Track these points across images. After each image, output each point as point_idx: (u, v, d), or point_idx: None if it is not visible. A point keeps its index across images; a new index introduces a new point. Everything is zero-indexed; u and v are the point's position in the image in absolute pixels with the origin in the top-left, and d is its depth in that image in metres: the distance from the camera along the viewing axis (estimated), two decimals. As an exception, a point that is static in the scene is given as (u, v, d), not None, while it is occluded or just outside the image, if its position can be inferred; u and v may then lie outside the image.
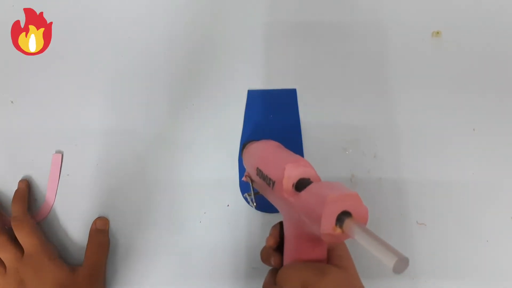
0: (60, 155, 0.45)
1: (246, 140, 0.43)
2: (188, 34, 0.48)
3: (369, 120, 0.45)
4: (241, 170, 0.44)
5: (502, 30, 0.48)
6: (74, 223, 0.44)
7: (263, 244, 0.42)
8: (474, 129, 0.45)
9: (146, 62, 0.48)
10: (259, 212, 0.43)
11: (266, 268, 0.42)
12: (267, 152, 0.36)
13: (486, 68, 0.47)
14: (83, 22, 0.49)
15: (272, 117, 0.45)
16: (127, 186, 0.45)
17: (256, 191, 0.37)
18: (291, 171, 0.30)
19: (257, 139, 0.44)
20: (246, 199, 0.42)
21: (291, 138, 0.45)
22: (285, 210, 0.31)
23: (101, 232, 0.43)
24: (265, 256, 0.35)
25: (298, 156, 0.33)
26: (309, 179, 0.30)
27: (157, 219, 0.44)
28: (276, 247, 0.34)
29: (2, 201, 0.45)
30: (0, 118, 0.47)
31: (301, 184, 0.30)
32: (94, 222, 0.43)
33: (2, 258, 0.40)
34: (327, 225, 0.25)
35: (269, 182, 0.32)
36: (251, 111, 0.46)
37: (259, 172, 0.35)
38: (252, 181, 0.37)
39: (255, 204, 0.37)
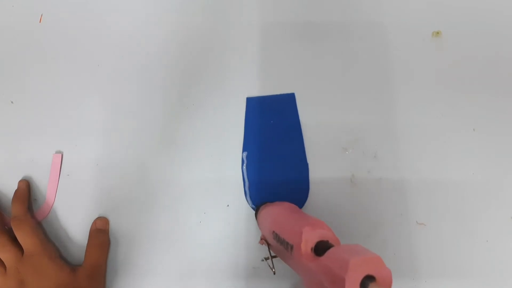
0: (60, 155, 0.45)
1: (260, 202, 0.42)
2: (187, 35, 0.48)
3: (369, 120, 0.45)
4: (250, 177, 0.44)
5: (502, 30, 0.48)
6: (74, 223, 0.44)
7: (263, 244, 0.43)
8: (474, 129, 0.45)
9: (146, 63, 0.48)
10: (259, 212, 0.43)
11: (267, 268, 0.42)
12: (283, 216, 0.36)
13: (486, 68, 0.47)
14: (83, 22, 0.49)
15: (273, 122, 0.45)
16: (127, 186, 0.45)
17: (274, 255, 0.36)
18: (309, 235, 0.30)
19: (260, 146, 0.45)
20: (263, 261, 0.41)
21: (293, 142, 0.45)
22: (305, 275, 0.30)
23: (101, 232, 0.43)
24: None
25: (314, 218, 0.32)
26: (328, 241, 0.30)
27: (157, 219, 0.44)
28: None
29: (2, 201, 0.45)
30: (0, 118, 0.47)
31: (320, 247, 0.29)
32: (94, 222, 0.43)
33: (2, 258, 0.40)
34: None
35: (287, 246, 0.32)
36: (251, 118, 0.46)
37: (276, 236, 0.34)
38: (268, 245, 0.37)
39: (274, 269, 0.37)
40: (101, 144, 0.46)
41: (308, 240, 0.30)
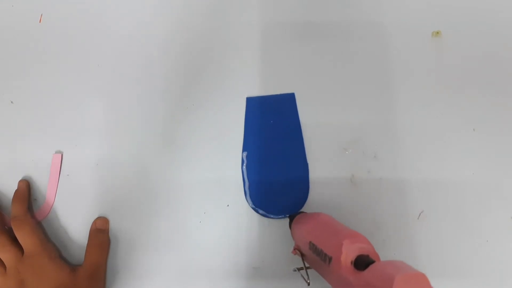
0: (60, 155, 0.45)
1: (295, 212, 0.42)
2: (187, 36, 0.48)
3: (369, 120, 0.45)
4: (250, 177, 0.44)
5: (502, 30, 0.48)
6: (74, 223, 0.44)
7: (263, 243, 0.43)
8: (474, 129, 0.45)
9: (146, 63, 0.48)
10: (260, 212, 0.43)
11: (267, 268, 0.42)
12: (321, 226, 0.35)
13: (486, 68, 0.47)
14: (83, 22, 0.49)
15: (273, 122, 0.45)
16: (127, 186, 0.45)
17: (307, 266, 0.36)
18: (349, 247, 0.29)
19: (260, 146, 0.45)
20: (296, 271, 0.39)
21: (293, 142, 0.45)
22: None
23: (101, 232, 0.43)
24: None
25: (354, 231, 0.31)
26: (368, 255, 0.29)
27: (157, 219, 0.44)
28: None
29: (2, 201, 0.45)
30: (0, 118, 0.47)
31: (360, 261, 0.28)
32: (94, 222, 0.43)
33: (2, 258, 0.40)
34: None
35: (325, 258, 0.31)
36: (251, 117, 0.46)
37: (312, 247, 0.33)
38: (302, 255, 0.36)
39: (309, 280, 0.36)
40: (101, 144, 0.46)
41: (349, 253, 0.29)
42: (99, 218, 0.44)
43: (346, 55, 0.47)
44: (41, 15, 0.49)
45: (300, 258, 0.36)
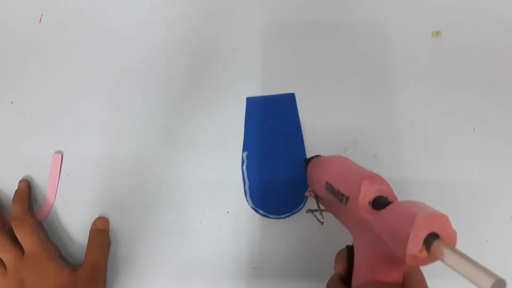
0: (60, 155, 0.45)
1: (311, 156, 0.41)
2: (187, 36, 0.48)
3: (369, 120, 0.45)
4: (250, 177, 0.44)
5: (502, 30, 0.48)
6: (74, 223, 0.44)
7: (263, 243, 0.43)
8: (474, 129, 0.45)
9: (146, 63, 0.48)
10: (260, 212, 0.43)
11: (267, 268, 0.42)
12: (339, 166, 0.34)
13: (486, 68, 0.47)
14: (83, 23, 0.49)
15: (273, 122, 0.45)
16: (127, 186, 0.45)
17: (322, 208, 0.35)
18: (368, 188, 0.28)
19: (260, 146, 0.45)
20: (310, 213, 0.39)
21: (293, 142, 0.45)
22: (359, 229, 0.29)
23: (101, 232, 0.43)
24: (333, 287, 0.32)
25: (373, 173, 0.30)
26: (386, 197, 0.28)
27: (157, 219, 0.44)
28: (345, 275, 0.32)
29: (3, 201, 0.45)
30: (0, 118, 0.47)
31: (379, 202, 0.27)
32: (94, 222, 0.43)
33: (2, 258, 0.40)
34: (414, 246, 0.23)
35: (342, 198, 0.30)
36: (251, 117, 0.46)
37: (329, 187, 0.32)
38: (317, 197, 0.35)
39: (323, 220, 0.36)
40: (101, 144, 0.46)
41: (367, 193, 0.28)
42: (99, 218, 0.44)
43: (346, 55, 0.47)
44: (41, 15, 0.49)
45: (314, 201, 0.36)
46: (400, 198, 0.44)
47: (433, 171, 0.44)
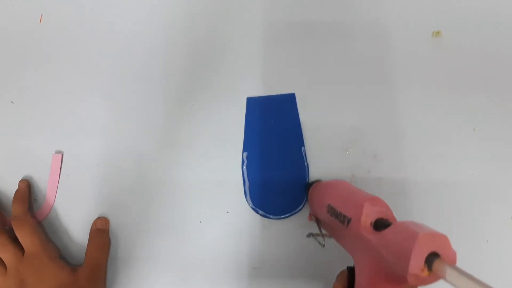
0: (60, 155, 0.45)
1: (312, 180, 0.43)
2: (187, 36, 0.48)
3: (369, 120, 0.45)
4: (250, 177, 0.44)
5: (502, 30, 0.48)
6: (74, 223, 0.44)
7: (263, 244, 0.43)
8: (474, 129, 0.45)
9: (146, 62, 0.48)
10: (259, 212, 0.43)
11: (267, 268, 0.42)
12: (340, 190, 0.35)
13: (486, 68, 0.47)
14: (83, 22, 0.49)
15: (273, 122, 0.45)
16: (127, 186, 0.45)
17: (323, 232, 0.37)
18: (370, 209, 0.29)
19: (260, 146, 0.45)
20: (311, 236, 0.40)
21: (293, 142, 0.45)
22: (360, 249, 0.30)
23: (101, 232, 0.43)
24: None
25: (374, 195, 0.31)
26: (387, 219, 0.29)
27: (157, 219, 0.44)
28: None
29: (3, 201, 0.45)
30: (0, 118, 0.47)
31: (380, 224, 0.28)
32: (95, 222, 0.43)
33: (2, 258, 0.40)
34: (416, 265, 0.24)
35: (343, 219, 0.31)
36: (252, 117, 0.46)
37: (331, 209, 0.33)
38: (318, 221, 0.37)
39: (324, 243, 0.37)
40: (101, 144, 0.46)
41: (369, 214, 0.29)
42: (99, 218, 0.44)
43: (346, 55, 0.47)
44: (41, 15, 0.49)
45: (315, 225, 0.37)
46: (400, 198, 0.45)
47: (433, 171, 0.44)
